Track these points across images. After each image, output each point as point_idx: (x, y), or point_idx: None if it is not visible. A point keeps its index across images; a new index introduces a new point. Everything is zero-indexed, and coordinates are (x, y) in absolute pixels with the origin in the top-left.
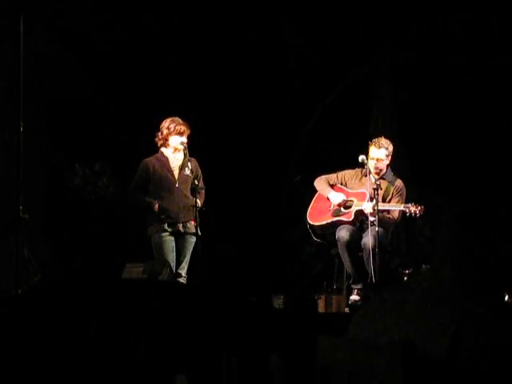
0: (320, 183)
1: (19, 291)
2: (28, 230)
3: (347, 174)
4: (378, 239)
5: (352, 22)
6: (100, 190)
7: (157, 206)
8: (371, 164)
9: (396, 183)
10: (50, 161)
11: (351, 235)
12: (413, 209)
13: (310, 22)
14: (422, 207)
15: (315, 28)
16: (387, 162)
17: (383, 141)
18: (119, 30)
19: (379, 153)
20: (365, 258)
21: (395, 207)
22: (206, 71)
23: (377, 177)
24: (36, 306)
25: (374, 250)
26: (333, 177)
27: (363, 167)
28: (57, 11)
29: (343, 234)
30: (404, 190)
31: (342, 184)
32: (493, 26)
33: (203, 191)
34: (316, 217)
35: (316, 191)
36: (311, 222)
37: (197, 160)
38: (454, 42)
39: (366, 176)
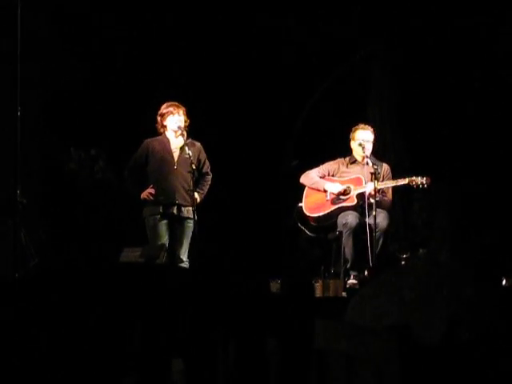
0: (308, 178)
1: (16, 275)
2: (25, 214)
3: (332, 165)
4: (383, 221)
5: (350, 8)
6: (96, 174)
7: (144, 194)
8: (357, 145)
9: (384, 166)
10: (47, 145)
11: (358, 221)
12: (419, 180)
13: (309, 8)
14: (429, 177)
15: (313, 14)
16: (371, 147)
17: (368, 126)
18: (116, 17)
19: (367, 134)
20: (369, 240)
21: (399, 182)
22: (203, 59)
23: (365, 160)
24: (33, 290)
25: (383, 232)
26: (319, 170)
27: (345, 156)
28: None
29: (351, 219)
30: (390, 171)
31: (329, 175)
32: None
33: (209, 178)
34: (315, 209)
35: (303, 188)
36: (312, 214)
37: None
38: (452, 31)
39: (352, 163)
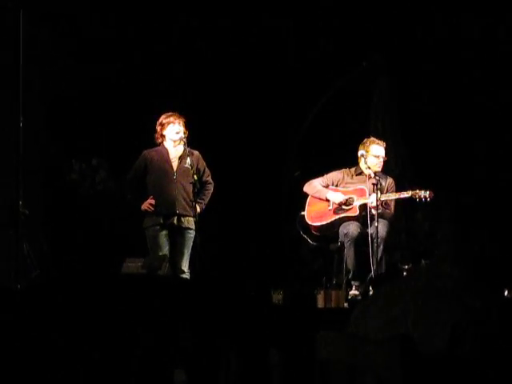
0: (312, 187)
1: (18, 286)
2: (27, 225)
3: (337, 175)
4: (385, 233)
5: (352, 18)
6: (97, 185)
7: (144, 206)
8: (373, 161)
9: (388, 179)
10: (50, 156)
11: (360, 231)
12: (422, 193)
13: (310, 17)
14: (431, 191)
15: (315, 24)
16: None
17: (380, 140)
18: (119, 25)
19: (381, 150)
20: (371, 251)
21: (403, 195)
22: (205, 67)
23: (369, 170)
24: (35, 301)
25: (383, 242)
26: (323, 179)
27: (350, 167)
28: (57, 5)
29: (353, 230)
30: (394, 185)
31: (332, 185)
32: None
33: (210, 187)
34: (317, 218)
35: (306, 197)
36: (314, 223)
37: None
38: (454, 38)
39: (357, 175)
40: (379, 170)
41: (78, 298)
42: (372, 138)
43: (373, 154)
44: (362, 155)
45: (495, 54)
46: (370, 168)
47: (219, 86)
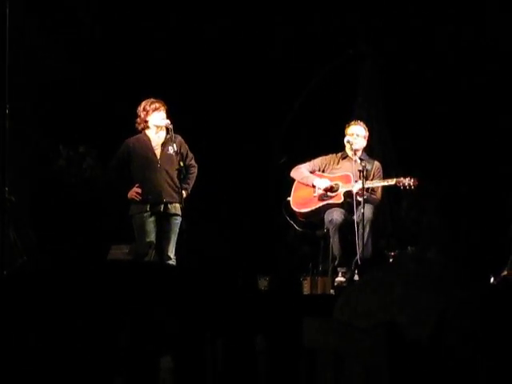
0: (298, 172)
1: (4, 273)
2: (14, 212)
3: (323, 160)
4: (372, 211)
5: (338, 6)
6: (84, 172)
7: (131, 194)
8: (349, 141)
9: (375, 163)
10: (36, 143)
11: (344, 218)
12: (406, 181)
13: (298, 7)
14: (416, 178)
15: (301, 14)
16: (364, 143)
17: (360, 122)
18: (106, 12)
19: (357, 128)
20: (357, 235)
21: (387, 183)
22: (191, 54)
23: (355, 157)
24: (21, 289)
25: (370, 223)
26: (310, 164)
27: (338, 152)
28: None
29: (336, 216)
30: (381, 169)
31: (319, 170)
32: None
33: (194, 170)
34: (302, 204)
35: (293, 182)
36: (299, 210)
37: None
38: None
39: (343, 159)
40: (357, 147)
41: (64, 285)
42: (352, 121)
43: (349, 134)
44: (348, 141)
45: (482, 43)
46: (351, 149)
47: (205, 72)
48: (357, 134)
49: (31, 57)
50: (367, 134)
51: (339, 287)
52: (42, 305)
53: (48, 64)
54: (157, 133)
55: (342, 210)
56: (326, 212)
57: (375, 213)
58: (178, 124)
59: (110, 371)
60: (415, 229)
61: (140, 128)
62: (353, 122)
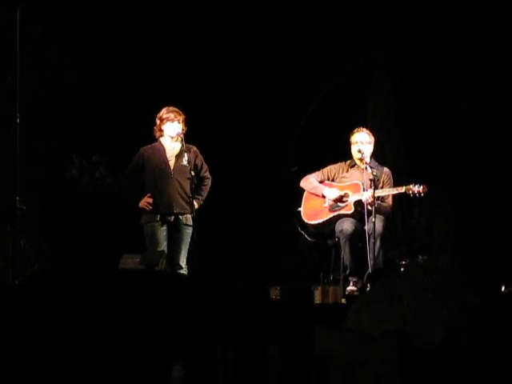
0: (308, 182)
1: (16, 282)
2: (25, 220)
3: (333, 169)
4: (381, 228)
5: (350, 14)
6: (97, 181)
7: (142, 204)
8: (355, 149)
9: (384, 170)
10: (47, 152)
11: (355, 228)
12: (415, 189)
13: (309, 13)
14: (425, 186)
15: (314, 20)
16: (370, 149)
17: (364, 128)
18: (118, 21)
19: (361, 136)
20: (368, 247)
21: (396, 191)
22: (204, 61)
23: (362, 164)
24: (32, 298)
25: (380, 237)
26: (319, 174)
27: (346, 160)
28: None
29: (347, 226)
30: (391, 176)
31: (328, 179)
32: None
33: (208, 182)
34: (313, 216)
35: (303, 192)
36: (310, 222)
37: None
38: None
39: (352, 167)
40: (363, 157)
41: (76, 294)
42: (355, 129)
43: (352, 142)
44: (359, 150)
45: (493, 48)
46: (358, 158)
47: (218, 81)
48: (361, 142)
49: (42, 66)
50: (373, 139)
51: (350, 296)
52: (53, 314)
53: (60, 73)
54: (171, 142)
55: (352, 220)
56: (337, 222)
57: (385, 226)
58: (191, 133)
59: (121, 380)
60: (426, 237)
61: (157, 136)
62: (356, 130)
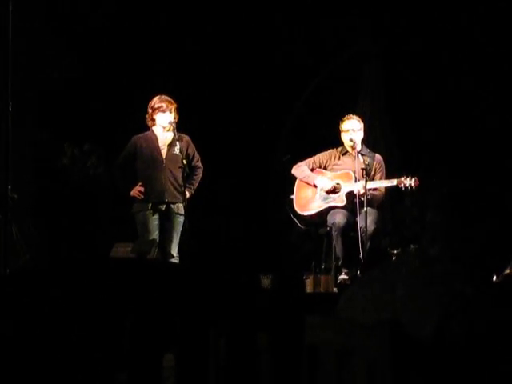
0: (300, 170)
1: (7, 271)
2: (16, 209)
3: (324, 156)
4: (373, 220)
5: (342, 3)
6: (89, 170)
7: (134, 192)
8: (346, 137)
9: (376, 157)
10: (40, 140)
11: (347, 220)
12: (407, 182)
13: (300, 5)
14: (416, 178)
15: (304, 13)
16: (361, 136)
17: (353, 115)
18: (109, 7)
19: (352, 123)
20: (360, 239)
21: (388, 183)
22: (196, 50)
23: (354, 152)
24: (24, 286)
25: (369, 232)
26: (310, 161)
27: (337, 147)
28: None
29: (339, 219)
30: (383, 163)
31: (320, 167)
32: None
33: (200, 171)
34: (305, 206)
35: (295, 180)
36: (302, 213)
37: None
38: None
39: (344, 154)
40: (351, 145)
41: (67, 283)
42: (345, 116)
43: (343, 130)
44: (351, 139)
45: (486, 42)
46: (350, 145)
47: (209, 70)
48: (352, 129)
49: (34, 54)
50: (362, 125)
51: (342, 285)
52: (45, 303)
53: (51, 62)
54: (164, 132)
55: (344, 212)
56: (329, 213)
57: (377, 217)
58: (183, 122)
59: (113, 367)
60: (417, 227)
61: (149, 124)
62: (346, 117)
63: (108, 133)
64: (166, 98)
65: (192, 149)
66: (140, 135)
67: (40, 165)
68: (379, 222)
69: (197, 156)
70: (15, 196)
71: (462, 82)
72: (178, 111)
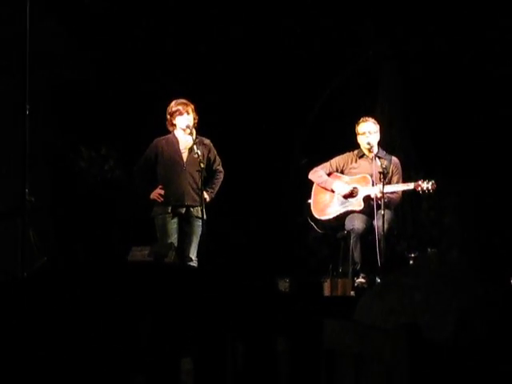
0: (317, 175)
1: (24, 274)
2: (34, 213)
3: (341, 160)
4: (390, 223)
5: (360, 5)
6: (106, 173)
7: (154, 195)
8: (363, 140)
9: (392, 160)
10: (56, 144)
11: (365, 225)
12: (425, 185)
13: (317, 5)
14: (434, 183)
15: (323, 15)
16: (377, 138)
17: (369, 117)
18: (127, 10)
19: (368, 125)
20: (378, 242)
21: (405, 187)
22: (212, 52)
23: (371, 155)
24: (41, 289)
25: (387, 234)
26: (327, 166)
27: (354, 150)
28: None
29: (358, 225)
30: (400, 165)
31: (337, 171)
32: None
33: (221, 175)
34: (323, 211)
35: (312, 184)
36: (320, 217)
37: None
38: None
39: (360, 157)
40: (368, 147)
41: (84, 286)
42: (361, 119)
43: (360, 133)
44: (368, 143)
45: (501, 43)
46: (367, 148)
47: (228, 73)
48: (369, 132)
49: (52, 57)
50: (378, 127)
51: (360, 289)
52: (62, 305)
53: (69, 64)
54: (184, 135)
55: (362, 217)
56: (348, 218)
57: (394, 220)
58: (201, 124)
59: (131, 369)
60: (435, 230)
61: (170, 129)
62: (362, 120)
63: (125, 136)
64: (182, 100)
65: (213, 152)
66: (161, 138)
67: (57, 168)
68: (393, 222)
69: (218, 160)
70: (32, 199)
71: (481, 84)
72: (197, 111)
